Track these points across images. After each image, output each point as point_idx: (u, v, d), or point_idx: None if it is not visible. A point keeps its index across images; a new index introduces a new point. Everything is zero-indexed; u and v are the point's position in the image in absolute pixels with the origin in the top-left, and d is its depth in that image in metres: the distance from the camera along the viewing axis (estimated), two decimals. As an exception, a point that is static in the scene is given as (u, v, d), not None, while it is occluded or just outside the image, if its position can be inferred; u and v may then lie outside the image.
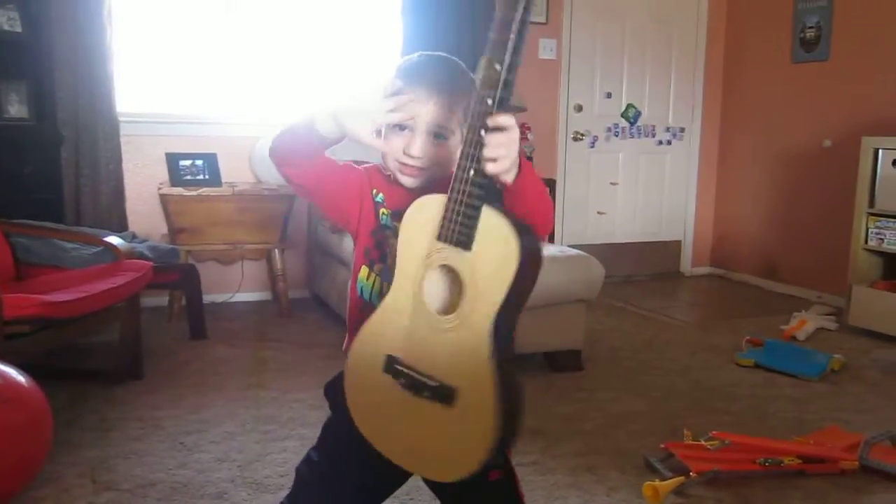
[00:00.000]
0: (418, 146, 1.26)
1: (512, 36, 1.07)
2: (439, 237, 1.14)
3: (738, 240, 5.40)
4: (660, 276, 5.43)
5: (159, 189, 3.93)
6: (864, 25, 4.41)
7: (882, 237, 3.89)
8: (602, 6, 5.09)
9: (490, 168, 1.09)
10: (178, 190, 3.87)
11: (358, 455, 1.31)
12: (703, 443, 2.36)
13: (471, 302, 1.14)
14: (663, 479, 2.16)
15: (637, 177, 5.38)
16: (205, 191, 3.89)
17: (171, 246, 3.70)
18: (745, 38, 5.28)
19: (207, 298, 3.76)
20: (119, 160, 3.89)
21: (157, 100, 4.16)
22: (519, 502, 1.37)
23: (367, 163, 1.38)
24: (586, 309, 3.24)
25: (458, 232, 1.12)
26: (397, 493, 1.45)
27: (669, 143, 5.43)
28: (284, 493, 1.42)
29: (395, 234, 1.28)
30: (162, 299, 3.96)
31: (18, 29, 3.59)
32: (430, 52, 1.33)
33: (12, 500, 1.97)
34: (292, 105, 4.25)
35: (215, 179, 4.03)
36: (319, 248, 4.10)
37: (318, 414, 2.63)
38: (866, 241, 3.96)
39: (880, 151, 3.89)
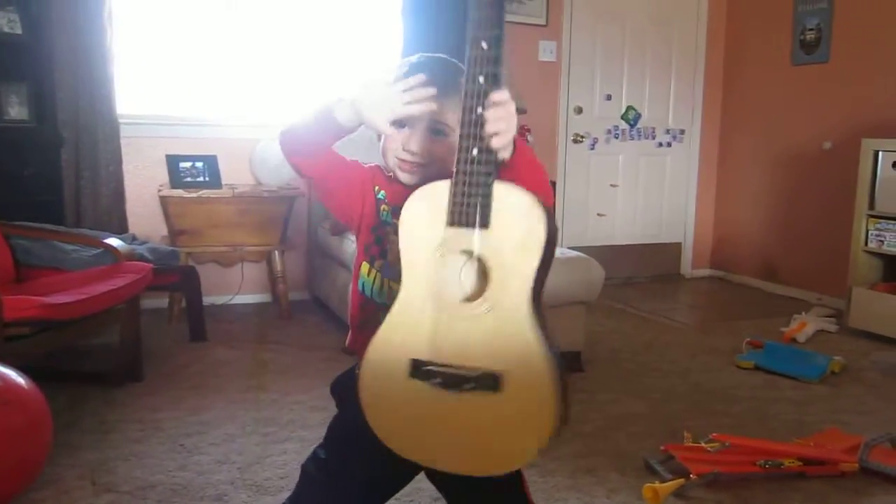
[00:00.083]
0: (417, 142, 1.27)
1: (490, 10, 1.08)
2: (451, 223, 1.12)
3: (738, 242, 5.40)
4: (660, 278, 5.44)
5: (159, 191, 3.94)
6: (864, 27, 4.41)
7: (882, 239, 3.89)
8: (602, 8, 5.09)
9: (495, 142, 1.09)
10: (179, 192, 3.87)
11: (364, 452, 1.31)
12: (703, 445, 2.36)
13: (500, 282, 1.11)
14: (663, 481, 2.16)
15: (637, 179, 5.39)
16: (205, 193, 3.89)
17: (171, 248, 3.70)
18: (745, 40, 5.28)
19: (207, 300, 3.76)
20: (119, 162, 3.89)
21: (158, 102, 4.16)
22: (525, 501, 1.37)
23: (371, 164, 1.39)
24: (586, 311, 3.24)
25: (473, 212, 1.11)
26: (398, 494, 1.45)
27: (669, 145, 5.43)
28: (285, 495, 1.42)
29: (395, 231, 1.29)
30: (162, 301, 3.95)
31: (19, 30, 3.58)
32: (429, 54, 1.34)
33: (12, 501, 1.97)
34: (292, 107, 4.26)
35: (215, 181, 4.03)
36: (320, 249, 4.10)
37: (318, 416, 2.63)
38: (866, 243, 3.96)
39: (880, 153, 3.90)
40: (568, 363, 3.27)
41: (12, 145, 3.60)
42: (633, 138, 5.30)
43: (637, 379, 3.20)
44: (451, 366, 1.13)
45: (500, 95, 1.09)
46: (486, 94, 1.09)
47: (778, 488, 2.22)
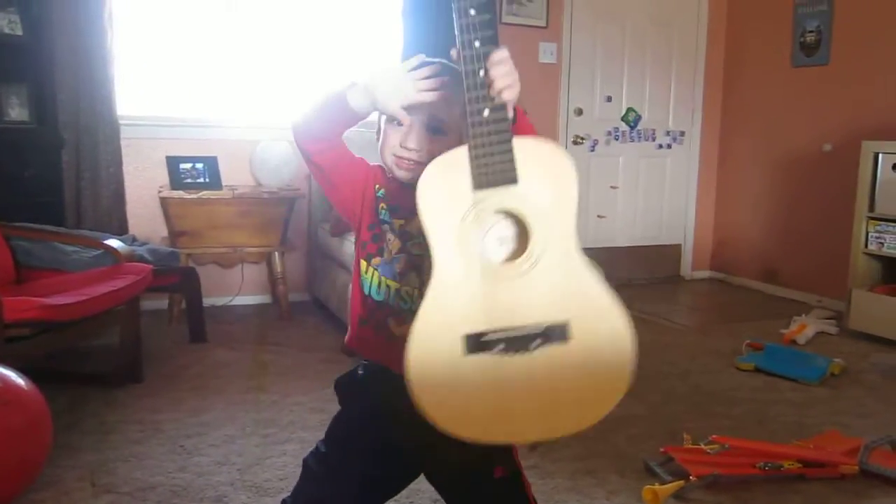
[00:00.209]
0: (415, 139, 1.28)
1: None
2: (479, 186, 1.11)
3: (738, 244, 5.40)
4: (660, 280, 5.44)
5: (160, 192, 3.94)
6: (864, 29, 4.41)
7: (882, 241, 3.89)
8: (602, 10, 5.10)
9: (507, 95, 1.11)
10: (179, 193, 3.87)
11: (361, 451, 1.32)
12: (702, 447, 2.36)
13: (543, 232, 1.11)
14: (663, 482, 2.16)
15: (637, 180, 5.39)
16: (205, 194, 3.90)
17: (171, 249, 3.70)
18: (745, 42, 5.28)
19: (207, 301, 3.76)
20: (119, 163, 3.90)
21: (158, 103, 4.17)
22: (526, 501, 1.37)
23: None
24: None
25: (500, 170, 1.11)
26: (398, 496, 1.46)
27: (669, 146, 5.43)
28: (284, 496, 1.42)
29: (392, 230, 1.31)
30: (162, 302, 3.96)
31: (19, 32, 3.59)
32: (430, 59, 1.34)
33: (12, 503, 1.97)
34: (292, 107, 4.26)
35: (216, 182, 4.03)
36: (320, 251, 4.10)
37: (318, 417, 2.64)
38: (866, 245, 3.96)
39: (880, 155, 3.90)
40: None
41: (13, 146, 3.60)
42: (633, 140, 5.30)
43: (636, 380, 3.19)
44: (509, 328, 1.10)
45: (500, 54, 1.12)
46: (486, 56, 1.11)
47: (777, 490, 2.22)
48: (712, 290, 5.32)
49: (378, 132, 1.34)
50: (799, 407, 2.93)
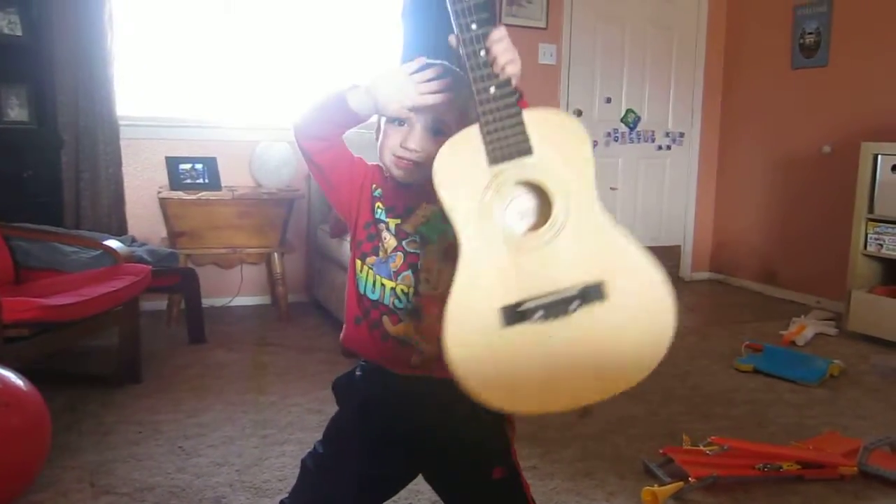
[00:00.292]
0: (416, 139, 1.28)
1: None
2: (493, 161, 1.12)
3: (737, 245, 5.40)
4: (659, 281, 5.43)
5: (159, 193, 3.94)
6: (864, 31, 4.42)
7: (881, 243, 3.89)
8: (602, 11, 5.10)
9: (510, 69, 1.13)
10: (178, 194, 3.87)
11: (356, 451, 1.32)
12: (702, 448, 2.36)
13: (564, 198, 1.12)
14: (662, 484, 2.16)
15: (637, 182, 5.39)
16: (204, 195, 3.90)
17: (170, 250, 3.70)
18: (744, 43, 5.29)
19: (206, 302, 3.76)
20: (119, 164, 3.90)
21: (158, 103, 4.17)
22: (525, 502, 1.37)
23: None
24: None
25: (513, 143, 1.12)
26: (396, 497, 1.45)
27: (669, 148, 5.43)
28: (283, 497, 1.42)
29: (388, 228, 1.32)
30: (161, 303, 3.96)
31: (19, 32, 3.59)
32: (431, 61, 1.34)
33: (12, 503, 1.97)
34: (292, 109, 4.25)
35: (215, 183, 4.03)
36: (319, 252, 4.10)
37: (316, 418, 2.63)
38: (865, 247, 3.96)
39: (879, 157, 3.90)
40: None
41: (12, 147, 3.60)
42: (632, 141, 5.31)
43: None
44: (545, 294, 1.11)
45: (499, 32, 1.14)
46: (485, 37, 1.13)
47: (777, 492, 2.22)
48: (712, 291, 5.32)
49: (377, 131, 1.34)
50: (798, 408, 2.93)
